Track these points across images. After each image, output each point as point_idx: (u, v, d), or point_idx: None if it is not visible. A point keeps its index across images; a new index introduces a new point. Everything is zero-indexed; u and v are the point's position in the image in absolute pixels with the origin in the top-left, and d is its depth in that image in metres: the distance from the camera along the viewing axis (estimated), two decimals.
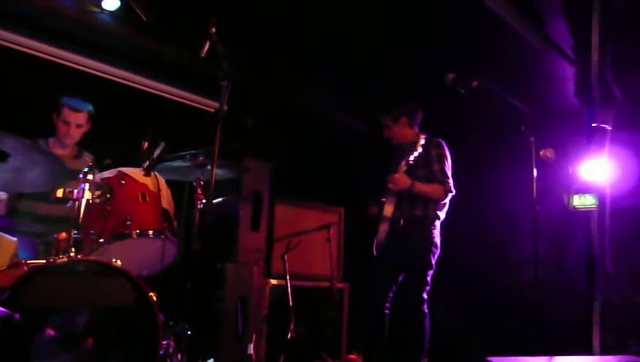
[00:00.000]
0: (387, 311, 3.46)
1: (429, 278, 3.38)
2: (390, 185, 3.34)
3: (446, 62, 3.35)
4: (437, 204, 3.45)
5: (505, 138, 4.05)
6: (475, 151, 4.65)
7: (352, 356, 4.46)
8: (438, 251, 3.46)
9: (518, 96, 3.28)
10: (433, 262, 3.41)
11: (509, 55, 4.19)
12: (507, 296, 4.30)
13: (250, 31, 3.91)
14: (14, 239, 2.64)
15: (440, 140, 3.51)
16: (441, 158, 3.45)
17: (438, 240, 3.46)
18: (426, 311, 3.34)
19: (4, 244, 2.59)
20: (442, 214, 3.51)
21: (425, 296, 3.36)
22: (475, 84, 2.95)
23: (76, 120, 3.23)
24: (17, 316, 1.78)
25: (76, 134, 3.27)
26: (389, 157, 3.70)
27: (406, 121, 3.58)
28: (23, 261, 2.30)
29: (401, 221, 3.43)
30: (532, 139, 2.98)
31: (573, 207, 4.08)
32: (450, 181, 3.44)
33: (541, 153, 3.61)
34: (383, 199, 3.52)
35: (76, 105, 3.23)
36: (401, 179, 3.32)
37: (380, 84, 4.60)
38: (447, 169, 3.45)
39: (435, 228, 3.46)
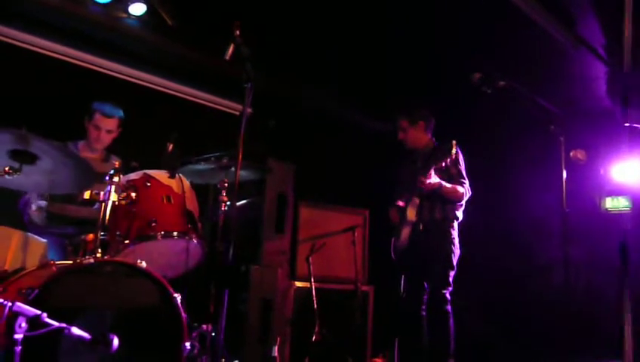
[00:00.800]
0: (424, 313, 3.50)
1: (450, 279, 3.42)
2: (421, 186, 3.31)
3: (473, 62, 3.30)
4: (455, 205, 3.51)
5: (533, 138, 3.97)
6: (503, 152, 4.57)
7: (378, 359, 4.41)
8: (458, 252, 3.49)
9: (547, 96, 3.19)
10: (454, 262, 3.45)
11: (537, 54, 4.10)
12: (536, 300, 4.20)
13: (274, 34, 3.92)
14: (44, 240, 2.70)
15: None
16: (457, 161, 3.48)
17: (457, 241, 3.50)
18: (450, 310, 3.37)
19: (34, 245, 2.65)
20: (460, 215, 3.56)
21: (448, 296, 3.39)
22: (501, 83, 2.89)
23: (107, 125, 3.31)
24: (45, 315, 1.81)
25: (106, 139, 3.34)
26: (399, 162, 3.81)
27: (423, 125, 3.66)
28: (52, 261, 2.34)
29: (421, 225, 3.47)
30: (562, 138, 2.90)
31: (606, 209, 3.97)
32: (467, 183, 3.51)
33: (571, 154, 3.52)
34: (400, 203, 3.56)
35: (108, 110, 3.30)
36: (432, 180, 3.31)
37: (406, 85, 4.56)
38: (463, 171, 3.50)
39: (453, 229, 3.51)
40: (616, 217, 4.10)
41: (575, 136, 3.26)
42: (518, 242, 4.53)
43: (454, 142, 3.27)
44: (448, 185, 3.40)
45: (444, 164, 3.28)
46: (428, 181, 3.26)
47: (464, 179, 3.49)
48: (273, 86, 4.35)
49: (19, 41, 3.62)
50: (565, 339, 3.19)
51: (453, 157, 3.25)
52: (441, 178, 3.39)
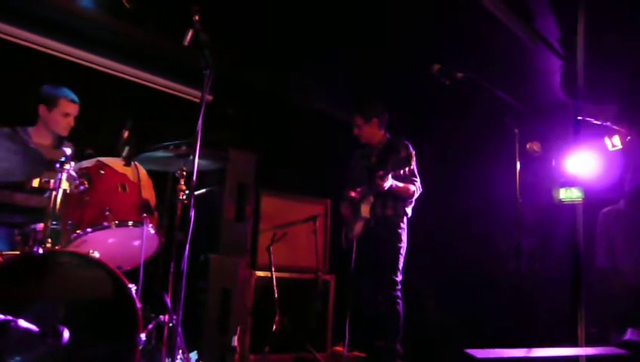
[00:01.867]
0: (377, 299, 3.63)
1: (400, 266, 3.56)
2: (381, 182, 3.39)
3: (432, 55, 3.33)
4: (406, 202, 3.67)
5: (491, 130, 4.04)
6: (461, 143, 4.65)
7: (338, 348, 4.45)
8: (405, 244, 3.65)
9: (505, 89, 3.26)
10: (403, 253, 3.61)
11: (496, 47, 4.17)
12: (492, 288, 4.32)
13: (235, 20, 3.86)
14: None
15: (407, 142, 3.66)
16: (410, 159, 3.53)
17: (405, 235, 3.66)
18: (400, 295, 3.52)
19: None
20: (410, 211, 3.71)
21: (398, 281, 3.53)
22: (460, 75, 2.95)
23: (75, 111, 3.23)
24: None
25: (72, 124, 3.26)
26: (352, 155, 3.97)
27: (377, 121, 3.79)
28: None
29: (373, 221, 3.61)
30: (516, 130, 2.98)
31: (559, 200, 4.09)
32: (418, 181, 3.66)
33: (528, 146, 3.61)
34: (353, 194, 3.69)
35: (73, 96, 3.23)
36: (388, 183, 3.42)
37: (365, 75, 4.57)
38: (415, 170, 3.63)
39: (403, 224, 3.68)
40: (569, 207, 4.24)
41: (530, 129, 3.34)
42: (477, 232, 4.63)
43: (413, 152, 3.47)
44: (401, 185, 3.54)
45: (402, 172, 3.39)
46: (385, 184, 3.38)
47: (416, 177, 3.65)
48: (234, 73, 4.28)
49: None
50: (520, 325, 3.29)
51: (412, 166, 3.40)
52: (394, 175, 3.49)
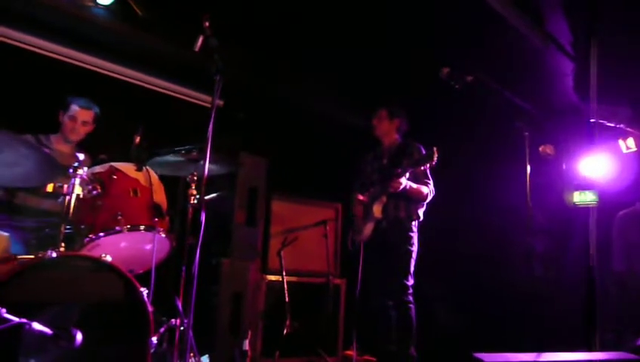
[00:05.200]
0: (388, 304, 3.56)
1: (411, 270, 3.50)
2: (398, 180, 3.35)
3: (443, 58, 3.33)
4: (418, 205, 3.61)
5: (503, 133, 4.02)
6: (472, 146, 4.63)
7: (349, 352, 4.45)
8: (416, 247, 3.58)
9: (516, 92, 3.25)
10: (413, 256, 3.54)
11: (507, 50, 4.15)
12: (504, 292, 4.28)
13: (246, 26, 3.89)
14: (6, 234, 2.63)
15: (419, 144, 3.63)
16: (432, 155, 3.49)
17: (415, 239, 3.59)
18: (412, 300, 3.46)
19: None
20: (421, 214, 3.65)
21: (409, 285, 3.47)
22: (469, 78, 2.93)
23: (83, 117, 3.30)
24: (4, 311, 1.77)
25: (81, 131, 3.32)
26: (363, 156, 3.92)
27: (398, 122, 3.76)
28: (14, 256, 2.29)
29: (385, 222, 3.55)
30: (526, 133, 2.96)
31: (574, 203, 4.05)
32: (431, 183, 3.60)
33: (540, 149, 3.58)
34: (361, 197, 3.66)
35: (84, 103, 3.31)
36: (404, 182, 3.38)
37: (377, 79, 4.58)
38: (428, 172, 3.58)
39: (414, 226, 3.61)
40: (583, 210, 4.20)
41: (541, 132, 3.32)
42: (489, 235, 4.60)
43: (435, 148, 3.31)
44: (414, 186, 3.49)
45: (422, 168, 3.32)
46: (401, 181, 3.32)
47: (429, 179, 3.60)
48: (245, 78, 4.31)
49: None
50: (533, 330, 3.26)
51: (434, 163, 3.27)
52: (411, 173, 3.44)
